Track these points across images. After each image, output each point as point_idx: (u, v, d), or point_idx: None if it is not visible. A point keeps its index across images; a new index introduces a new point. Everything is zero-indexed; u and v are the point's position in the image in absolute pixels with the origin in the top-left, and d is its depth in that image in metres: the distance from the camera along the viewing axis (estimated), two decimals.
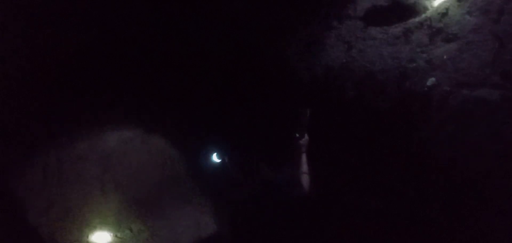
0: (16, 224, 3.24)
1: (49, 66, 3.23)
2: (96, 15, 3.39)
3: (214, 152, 1.94)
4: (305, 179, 2.09)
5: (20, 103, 3.19)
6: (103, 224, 3.84)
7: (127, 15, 3.37)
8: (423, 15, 2.55)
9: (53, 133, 3.35)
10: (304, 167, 2.15)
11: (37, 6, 3.06)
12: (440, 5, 2.48)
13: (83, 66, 3.31)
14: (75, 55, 3.30)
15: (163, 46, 3.55)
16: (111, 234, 3.80)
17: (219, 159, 1.93)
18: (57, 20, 3.31)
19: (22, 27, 2.97)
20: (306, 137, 2.22)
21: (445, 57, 2.19)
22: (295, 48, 2.96)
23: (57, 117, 3.31)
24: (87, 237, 3.72)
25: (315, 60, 2.77)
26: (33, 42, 3.07)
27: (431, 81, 2.14)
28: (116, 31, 3.45)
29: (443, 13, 2.43)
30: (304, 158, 2.17)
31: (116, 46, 3.49)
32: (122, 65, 3.46)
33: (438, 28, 2.37)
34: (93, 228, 3.79)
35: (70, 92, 3.35)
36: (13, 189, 3.21)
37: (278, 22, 3.16)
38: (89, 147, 3.65)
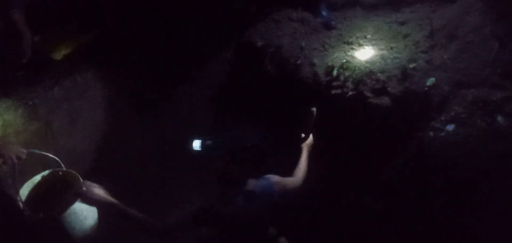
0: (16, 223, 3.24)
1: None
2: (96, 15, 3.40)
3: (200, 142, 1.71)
4: (299, 179, 2.02)
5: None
6: None
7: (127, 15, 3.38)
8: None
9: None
10: (302, 167, 2.10)
11: (37, 6, 3.06)
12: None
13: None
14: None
15: (163, 45, 3.56)
16: None
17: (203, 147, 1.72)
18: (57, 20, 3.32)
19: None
20: (311, 137, 2.20)
21: (445, 57, 2.19)
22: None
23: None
24: None
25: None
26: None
27: (431, 81, 2.14)
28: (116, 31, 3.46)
29: (443, 13, 2.43)
30: (305, 158, 2.15)
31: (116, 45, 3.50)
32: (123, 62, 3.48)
33: (438, 28, 2.38)
34: None
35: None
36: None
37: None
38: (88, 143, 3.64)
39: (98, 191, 1.69)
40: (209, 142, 1.75)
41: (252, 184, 1.78)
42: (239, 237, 1.76)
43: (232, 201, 1.72)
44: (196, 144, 1.72)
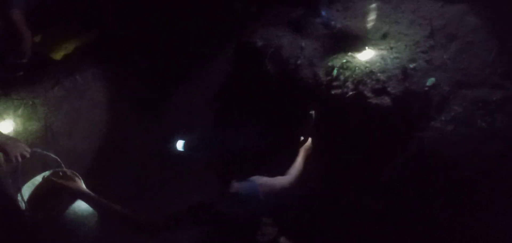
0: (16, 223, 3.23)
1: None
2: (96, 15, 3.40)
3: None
4: (290, 180, 1.98)
5: None
6: None
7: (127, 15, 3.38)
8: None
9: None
10: (295, 168, 2.07)
11: (37, 6, 3.07)
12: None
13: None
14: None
15: (164, 45, 3.56)
16: None
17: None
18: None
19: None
20: (309, 140, 2.19)
21: (445, 57, 2.19)
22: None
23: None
24: None
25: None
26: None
27: (431, 81, 2.14)
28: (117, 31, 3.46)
29: (443, 13, 2.43)
30: (301, 160, 2.14)
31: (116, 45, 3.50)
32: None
33: (438, 28, 2.38)
34: None
35: None
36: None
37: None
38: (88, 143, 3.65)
39: (76, 184, 1.68)
40: (193, 142, 1.70)
41: (236, 186, 1.69)
42: (228, 238, 1.73)
43: (218, 202, 1.67)
44: (180, 145, 1.66)
